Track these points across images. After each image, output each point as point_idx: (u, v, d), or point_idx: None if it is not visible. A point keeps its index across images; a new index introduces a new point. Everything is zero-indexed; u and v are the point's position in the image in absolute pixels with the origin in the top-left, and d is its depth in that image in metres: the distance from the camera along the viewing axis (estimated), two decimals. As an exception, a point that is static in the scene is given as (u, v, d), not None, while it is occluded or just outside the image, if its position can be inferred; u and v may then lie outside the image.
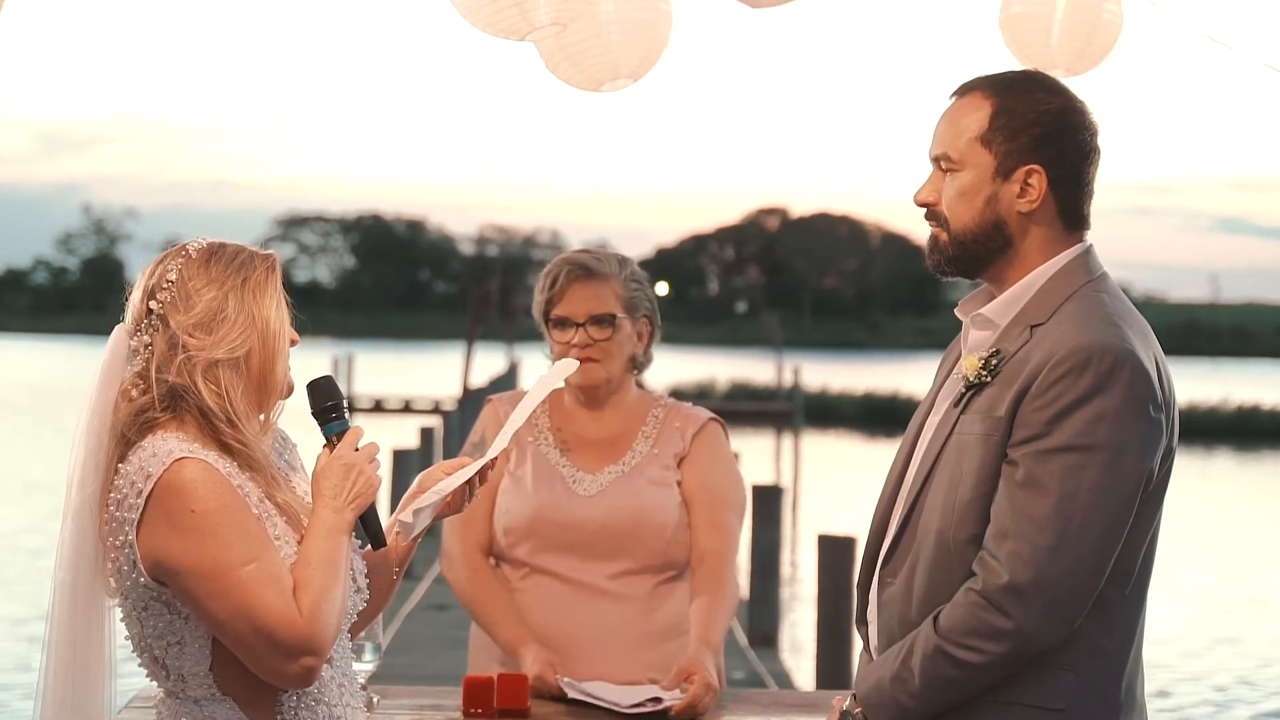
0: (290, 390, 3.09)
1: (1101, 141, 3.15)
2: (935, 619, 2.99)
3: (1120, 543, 2.95)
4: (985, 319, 3.12)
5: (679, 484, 4.33)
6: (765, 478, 27.72)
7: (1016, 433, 2.96)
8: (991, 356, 3.06)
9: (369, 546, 3.15)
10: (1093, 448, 2.90)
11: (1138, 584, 3.05)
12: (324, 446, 3.09)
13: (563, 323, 4.31)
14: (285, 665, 2.88)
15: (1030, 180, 3.08)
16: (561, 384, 4.11)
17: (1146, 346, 3.00)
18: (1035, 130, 3.08)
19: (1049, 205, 3.10)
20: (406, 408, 51.53)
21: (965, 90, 3.16)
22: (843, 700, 3.16)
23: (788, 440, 44.80)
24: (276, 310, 3.03)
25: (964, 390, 3.08)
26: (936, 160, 3.15)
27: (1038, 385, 2.95)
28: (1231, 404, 56.97)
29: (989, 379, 3.04)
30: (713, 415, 4.45)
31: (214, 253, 3.02)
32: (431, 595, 15.36)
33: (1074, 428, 2.91)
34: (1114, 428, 2.91)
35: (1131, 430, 2.92)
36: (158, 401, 2.96)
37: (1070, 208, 3.12)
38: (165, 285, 2.99)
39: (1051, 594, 2.90)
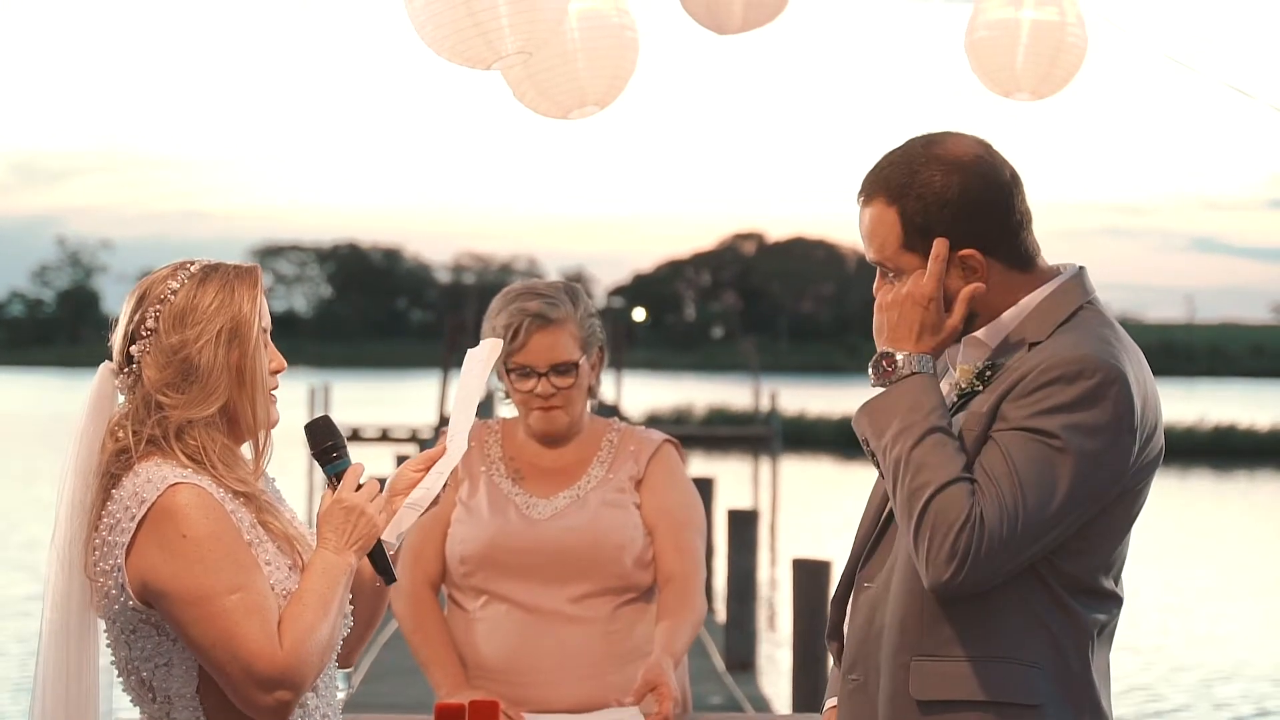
0: (275, 421, 3.11)
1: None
2: (948, 481, 2.93)
3: (1051, 540, 2.95)
4: (978, 340, 3.13)
5: (637, 506, 4.33)
6: (743, 502, 27.68)
7: (997, 424, 2.98)
8: (987, 368, 3.08)
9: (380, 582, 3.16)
10: (1063, 450, 2.92)
11: (1111, 600, 3.07)
12: (327, 487, 3.12)
13: (524, 371, 4.28)
14: (259, 697, 2.90)
15: (968, 264, 3.07)
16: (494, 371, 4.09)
17: (1138, 372, 3.03)
18: (946, 221, 3.04)
19: (995, 268, 3.08)
20: (384, 436, 51.37)
21: (867, 197, 3.12)
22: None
23: (765, 465, 44.79)
24: (254, 353, 3.03)
25: (955, 398, 3.11)
26: (877, 263, 3.15)
27: (1024, 385, 2.96)
28: (1208, 424, 57.10)
29: (980, 388, 3.06)
30: (667, 437, 4.44)
31: (191, 302, 3.01)
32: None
33: (1052, 426, 2.93)
34: (1087, 440, 2.93)
35: (1101, 447, 2.94)
36: (135, 446, 2.99)
37: (1014, 255, 3.10)
38: (144, 334, 3.01)
39: (995, 540, 2.89)
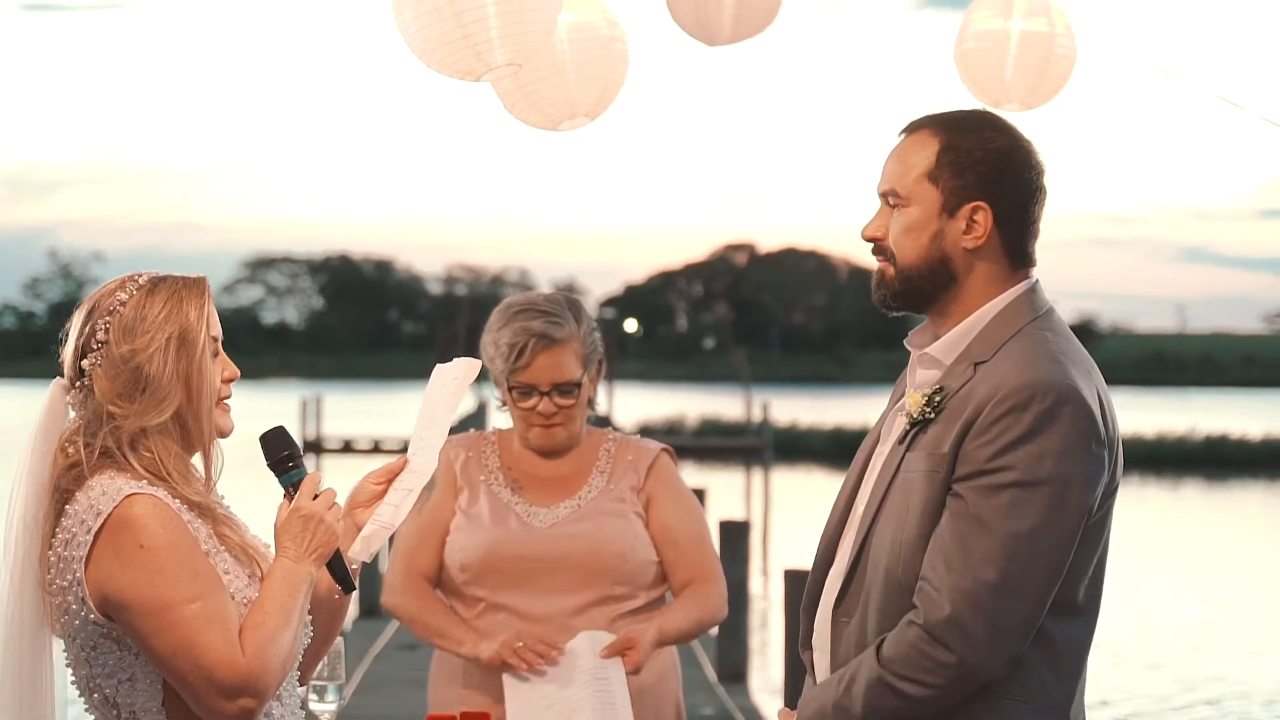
0: (228, 432, 3.12)
1: (1056, 177, 3.20)
2: (879, 648, 3.00)
3: (1061, 577, 2.98)
4: (931, 358, 3.15)
5: (638, 515, 4.33)
6: (735, 513, 27.65)
7: (960, 468, 2.99)
8: (935, 393, 3.08)
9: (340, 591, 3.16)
10: (1036, 483, 2.93)
11: (1086, 618, 3.08)
12: (284, 497, 3.11)
13: (526, 390, 4.28)
14: (222, 705, 2.90)
15: (976, 217, 3.11)
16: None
17: (1090, 383, 3.03)
18: (982, 168, 3.11)
19: (994, 242, 3.13)
20: (375, 448, 51.36)
21: (914, 128, 3.19)
22: (789, 715, 3.16)
23: (757, 475, 44.80)
24: (201, 363, 3.03)
25: (908, 427, 3.11)
26: (884, 196, 3.18)
27: (981, 422, 2.98)
28: (1199, 434, 57.03)
29: (933, 416, 3.07)
30: (664, 446, 4.45)
31: (140, 313, 3.02)
32: (400, 635, 15.32)
33: (1017, 463, 2.93)
34: (1057, 464, 2.94)
35: (1074, 467, 2.95)
36: (88, 460, 2.99)
37: (1015, 245, 3.15)
38: (95, 346, 3.02)
39: (993, 627, 2.92)
